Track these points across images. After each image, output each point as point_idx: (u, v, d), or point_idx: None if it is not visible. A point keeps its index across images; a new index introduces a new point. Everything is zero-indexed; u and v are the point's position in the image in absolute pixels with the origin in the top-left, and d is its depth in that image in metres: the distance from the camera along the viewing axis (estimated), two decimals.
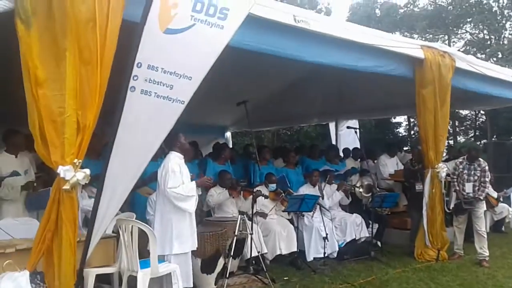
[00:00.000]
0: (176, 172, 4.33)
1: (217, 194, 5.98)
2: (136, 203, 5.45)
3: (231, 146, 11.03)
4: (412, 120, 23.04)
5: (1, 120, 4.53)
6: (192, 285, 4.48)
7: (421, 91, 6.15)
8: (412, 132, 23.93)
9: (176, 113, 3.53)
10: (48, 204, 3.38)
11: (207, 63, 3.52)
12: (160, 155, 4.86)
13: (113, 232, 4.39)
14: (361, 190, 7.12)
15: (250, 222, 5.49)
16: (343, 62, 5.22)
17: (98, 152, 4.97)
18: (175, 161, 4.42)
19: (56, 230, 3.40)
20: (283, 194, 6.54)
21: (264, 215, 6.29)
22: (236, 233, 5.09)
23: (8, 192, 4.59)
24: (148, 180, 5.29)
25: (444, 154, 8.03)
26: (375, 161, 8.48)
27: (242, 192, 5.78)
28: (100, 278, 4.20)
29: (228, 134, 11.73)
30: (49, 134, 3.25)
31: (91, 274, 3.97)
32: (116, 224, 4.23)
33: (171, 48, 3.42)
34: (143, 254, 4.21)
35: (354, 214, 7.02)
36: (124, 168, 3.49)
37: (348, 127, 7.54)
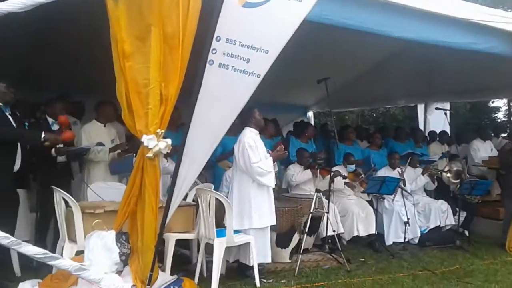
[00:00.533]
0: (253, 147, 4.37)
1: (298, 173, 5.98)
2: (217, 175, 5.66)
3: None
4: None
5: (96, 90, 4.85)
6: (270, 261, 4.56)
7: None
8: None
9: (252, 87, 3.53)
10: (133, 171, 3.57)
11: (284, 37, 3.46)
12: (239, 130, 4.97)
13: (193, 201, 4.60)
14: (449, 175, 6.69)
15: (327, 201, 5.43)
16: (434, 38, 4.83)
17: (177, 124, 5.15)
18: (250, 136, 4.45)
19: (140, 195, 3.58)
20: (362, 175, 6.40)
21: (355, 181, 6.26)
22: (311, 211, 5.08)
23: (97, 154, 4.87)
24: (229, 154, 5.41)
25: None
26: (464, 145, 7.95)
27: (319, 170, 5.70)
28: (180, 243, 4.44)
29: (310, 114, 11.61)
30: (134, 105, 3.39)
31: (171, 239, 4.19)
32: (195, 193, 4.41)
33: (249, 21, 3.41)
34: (221, 226, 4.35)
35: (440, 200, 6.71)
36: (202, 139, 3.55)
37: (437, 108, 7.06)
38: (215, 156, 5.78)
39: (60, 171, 4.66)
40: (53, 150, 4.47)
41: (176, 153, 3.80)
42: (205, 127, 3.53)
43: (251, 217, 4.38)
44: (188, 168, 3.59)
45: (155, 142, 3.47)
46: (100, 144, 4.87)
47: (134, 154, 3.95)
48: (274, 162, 4.54)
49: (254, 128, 4.54)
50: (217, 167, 5.89)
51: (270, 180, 4.38)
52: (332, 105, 9.80)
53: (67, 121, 4.38)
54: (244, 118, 4.50)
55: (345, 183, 6.27)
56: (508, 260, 5.56)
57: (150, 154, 3.48)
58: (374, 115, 18.70)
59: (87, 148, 4.76)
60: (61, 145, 4.46)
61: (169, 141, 3.56)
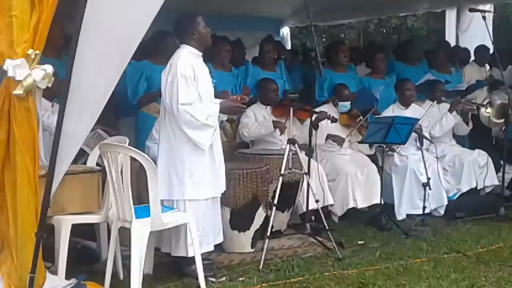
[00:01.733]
0: (188, 78, 4.32)
1: (256, 124, 6.03)
2: (141, 126, 5.70)
3: (289, 48, 10.95)
4: None
5: None
6: (222, 250, 4.64)
7: None
8: None
9: None
10: None
11: None
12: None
13: (97, 165, 4.54)
14: (489, 111, 6.83)
15: (307, 158, 5.48)
16: None
17: (58, 46, 5.13)
18: (187, 61, 4.39)
19: (7, 157, 3.53)
20: (361, 117, 6.44)
21: (340, 139, 6.36)
22: (283, 172, 5.10)
23: None
24: (159, 93, 5.37)
25: None
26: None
27: (294, 112, 5.68)
28: (80, 230, 4.41)
29: (285, 31, 11.65)
30: None
31: (65, 224, 4.14)
32: (100, 152, 4.34)
33: None
34: (143, 201, 4.34)
35: (477, 150, 6.92)
36: (98, 66, 3.55)
37: (471, 9, 7.05)
38: (136, 95, 5.77)
39: None
40: None
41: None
42: (102, 44, 3.51)
43: (183, 184, 4.40)
44: (80, 110, 3.56)
45: (26, 71, 3.39)
46: None
47: None
48: (222, 113, 4.65)
49: (195, 47, 4.50)
50: (141, 114, 5.89)
51: (204, 138, 4.39)
52: (317, 16, 9.84)
53: None
54: (180, 30, 4.49)
55: (331, 137, 6.34)
56: None
57: (19, 91, 3.40)
58: (384, 30, 18.83)
59: None
60: None
61: (49, 68, 3.49)
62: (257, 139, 6.15)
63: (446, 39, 10.28)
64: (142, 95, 5.78)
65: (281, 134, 5.98)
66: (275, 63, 7.15)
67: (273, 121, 6.01)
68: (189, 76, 4.35)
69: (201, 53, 4.56)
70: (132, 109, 5.97)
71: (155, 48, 5.81)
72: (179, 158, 4.45)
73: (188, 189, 4.43)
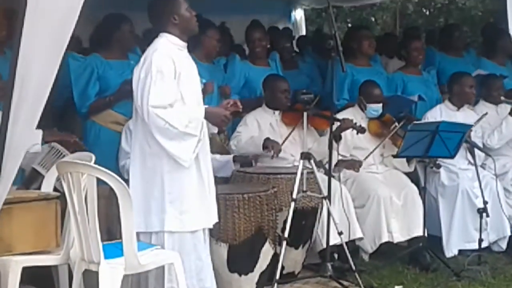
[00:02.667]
0: (165, 73, 4.34)
1: (249, 137, 6.06)
2: (99, 141, 5.66)
3: (303, 33, 11.12)
4: None
5: None
6: None
7: None
8: None
9: None
10: None
11: None
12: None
13: (55, 189, 4.56)
14: None
15: (327, 178, 5.50)
16: None
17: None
18: (165, 53, 4.43)
19: None
20: (396, 124, 6.47)
21: (355, 163, 6.29)
22: (295, 197, 5.12)
23: None
24: (118, 95, 5.46)
25: None
26: None
27: (309, 119, 5.70)
28: (32, 275, 4.41)
29: (298, 14, 11.81)
30: None
31: (13, 267, 4.13)
32: (58, 174, 4.36)
33: None
34: (115, 233, 4.37)
35: None
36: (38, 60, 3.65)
37: None
38: (86, 100, 5.72)
39: None
40: None
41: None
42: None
43: (163, 211, 4.42)
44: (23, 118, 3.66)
45: None
46: None
47: None
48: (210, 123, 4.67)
49: (176, 35, 4.54)
50: (89, 123, 5.82)
51: (183, 150, 4.38)
52: None
53: None
54: (156, 14, 4.52)
55: (342, 163, 6.25)
56: None
57: None
58: (427, 12, 18.85)
59: None
60: None
61: None
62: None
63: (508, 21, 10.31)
64: (94, 101, 5.68)
65: (272, 158, 5.94)
66: (268, 56, 7.15)
67: (265, 140, 5.98)
68: (167, 71, 4.36)
69: (185, 43, 4.59)
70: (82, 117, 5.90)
71: (107, 38, 5.76)
72: (156, 177, 4.45)
73: (169, 217, 4.42)
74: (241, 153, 6.06)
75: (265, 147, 5.92)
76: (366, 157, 6.41)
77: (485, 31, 9.17)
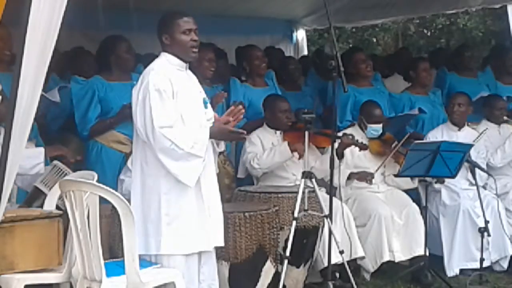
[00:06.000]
0: (164, 93, 4.32)
1: (267, 151, 6.08)
2: (101, 160, 5.71)
3: (305, 54, 11.15)
4: None
5: None
6: None
7: None
8: None
9: None
10: None
11: None
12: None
13: (57, 208, 4.56)
14: None
15: (329, 197, 5.49)
16: None
17: (7, 59, 5.21)
18: (162, 72, 4.41)
19: None
20: (397, 142, 6.48)
21: (367, 175, 6.36)
22: (296, 215, 5.13)
23: None
24: (118, 118, 5.53)
25: None
26: None
27: (310, 137, 5.70)
28: None
29: (300, 35, 11.87)
30: None
31: (15, 285, 4.11)
32: (61, 192, 4.37)
33: None
34: (117, 252, 4.35)
35: None
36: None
37: None
38: (87, 123, 5.76)
39: None
40: None
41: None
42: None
43: (159, 233, 4.39)
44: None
45: None
46: None
47: None
48: (215, 140, 4.59)
49: (177, 55, 4.52)
50: (92, 143, 5.87)
51: (189, 172, 4.35)
52: (341, 15, 9.92)
53: None
54: (158, 33, 4.51)
55: (354, 175, 6.37)
56: None
57: None
58: (428, 33, 18.88)
59: None
60: None
61: None
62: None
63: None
64: (95, 124, 5.73)
65: (299, 159, 6.02)
66: (264, 75, 7.15)
67: (288, 144, 6.06)
68: (163, 90, 4.33)
69: (185, 64, 4.56)
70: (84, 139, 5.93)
71: (106, 60, 5.81)
72: (153, 198, 4.42)
73: (165, 239, 4.40)
74: (268, 167, 6.12)
75: (292, 150, 6.01)
76: (377, 169, 6.44)
77: (494, 53, 9.14)
